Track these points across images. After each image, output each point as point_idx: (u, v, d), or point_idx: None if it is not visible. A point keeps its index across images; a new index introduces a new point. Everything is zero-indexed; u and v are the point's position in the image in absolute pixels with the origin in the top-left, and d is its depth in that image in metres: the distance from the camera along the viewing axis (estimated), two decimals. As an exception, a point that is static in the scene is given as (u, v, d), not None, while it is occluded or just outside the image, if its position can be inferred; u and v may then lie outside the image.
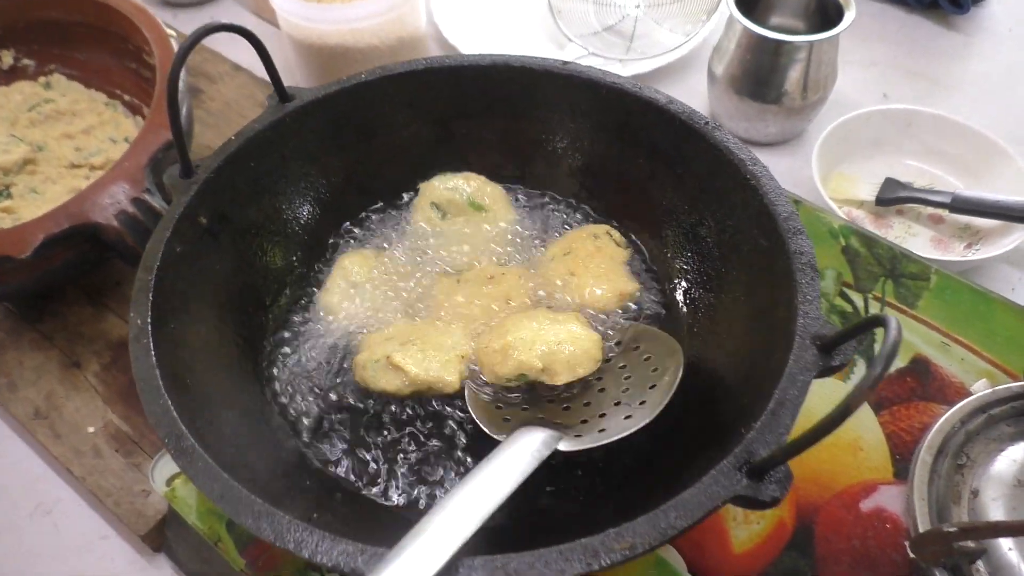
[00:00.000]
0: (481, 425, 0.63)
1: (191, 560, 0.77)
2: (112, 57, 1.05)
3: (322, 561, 0.46)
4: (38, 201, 0.93)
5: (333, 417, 0.69)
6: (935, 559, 0.67)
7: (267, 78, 1.15)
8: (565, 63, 0.74)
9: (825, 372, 0.54)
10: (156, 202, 0.82)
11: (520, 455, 0.56)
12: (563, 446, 0.58)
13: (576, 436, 0.60)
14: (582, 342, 0.67)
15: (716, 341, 0.69)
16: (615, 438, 0.59)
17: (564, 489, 0.65)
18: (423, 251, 0.79)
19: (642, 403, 0.62)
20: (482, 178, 0.81)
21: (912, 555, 0.69)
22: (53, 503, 0.85)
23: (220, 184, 0.67)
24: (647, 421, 0.59)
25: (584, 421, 0.62)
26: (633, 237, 0.81)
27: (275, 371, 0.72)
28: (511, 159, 0.83)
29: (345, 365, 0.72)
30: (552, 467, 0.63)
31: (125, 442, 0.83)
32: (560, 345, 0.66)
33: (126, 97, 1.06)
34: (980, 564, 0.67)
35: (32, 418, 0.86)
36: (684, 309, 0.75)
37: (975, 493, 0.71)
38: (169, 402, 0.53)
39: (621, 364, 0.67)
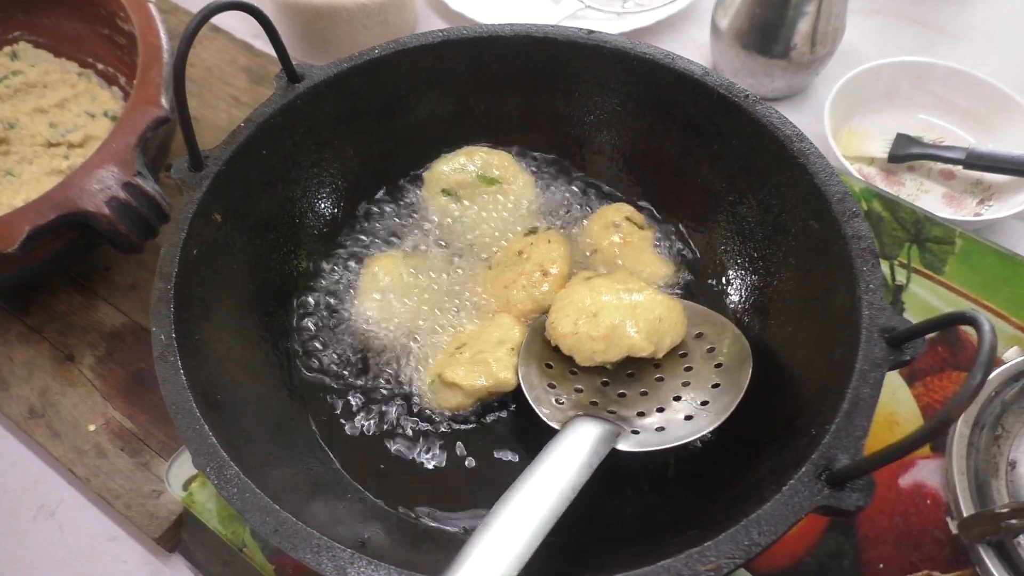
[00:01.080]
0: (535, 407, 0.60)
1: (211, 562, 0.74)
2: (82, 22, 0.97)
3: (392, 598, 0.43)
4: (15, 185, 0.87)
5: (371, 426, 0.66)
6: (980, 536, 0.67)
7: (247, 40, 1.10)
8: (590, 32, 0.69)
9: (895, 366, 0.52)
10: (149, 186, 0.76)
11: (577, 453, 0.53)
12: (622, 445, 0.55)
13: (633, 432, 0.57)
14: (672, 311, 0.63)
15: (765, 327, 0.66)
16: (675, 443, 0.56)
17: (616, 487, 0.62)
18: (448, 241, 0.75)
19: (704, 404, 0.59)
20: (484, 149, 0.77)
21: (956, 532, 0.68)
22: (56, 504, 0.81)
23: (232, 176, 0.62)
24: (711, 429, 0.56)
25: (640, 414, 0.59)
26: (659, 217, 0.77)
27: (304, 376, 0.68)
28: (534, 136, 0.78)
29: (388, 374, 0.69)
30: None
31: (130, 440, 0.79)
32: (661, 322, 0.62)
33: (100, 66, 0.99)
34: (1022, 538, 0.66)
35: (27, 417, 0.81)
36: (728, 292, 0.72)
37: (1012, 464, 0.70)
38: (206, 427, 0.49)
39: (681, 352, 0.64)
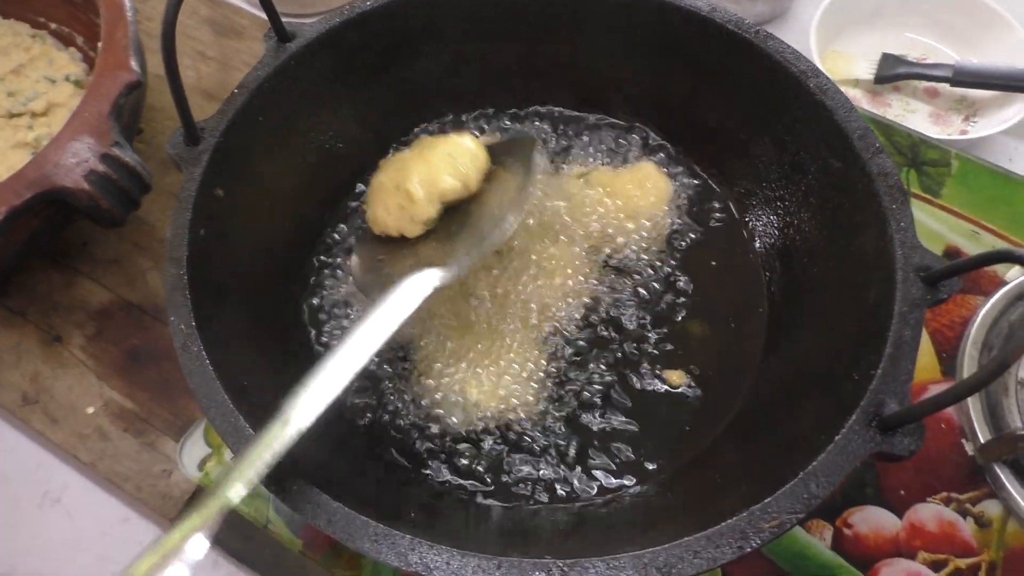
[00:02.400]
0: (365, 294, 0.60)
1: (231, 538, 0.73)
2: (27, -21, 0.91)
3: (458, 581, 0.42)
4: (-21, 161, 0.82)
5: (395, 402, 0.64)
6: (997, 457, 0.68)
7: (206, -10, 1.04)
8: (590, -29, 0.66)
9: (932, 305, 0.51)
10: (128, 156, 0.72)
11: (403, 297, 0.53)
12: (449, 272, 0.56)
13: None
14: (463, 147, 0.63)
15: (789, 268, 0.65)
16: (492, 243, 0.57)
17: (656, 446, 0.62)
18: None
19: (504, 204, 0.60)
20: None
21: (971, 452, 0.70)
22: (61, 491, 0.79)
23: (231, 148, 0.58)
24: (516, 221, 0.58)
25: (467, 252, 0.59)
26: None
27: (322, 352, 0.66)
28: (535, 85, 0.75)
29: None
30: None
31: (132, 421, 0.77)
32: (456, 159, 0.62)
33: (53, 26, 0.92)
34: (1035, 455, 0.68)
35: (21, 404, 0.78)
36: (749, 235, 0.71)
37: (1022, 383, 0.71)
38: (242, 419, 0.47)
39: (490, 186, 0.64)
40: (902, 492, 0.68)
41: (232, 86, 0.62)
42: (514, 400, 0.63)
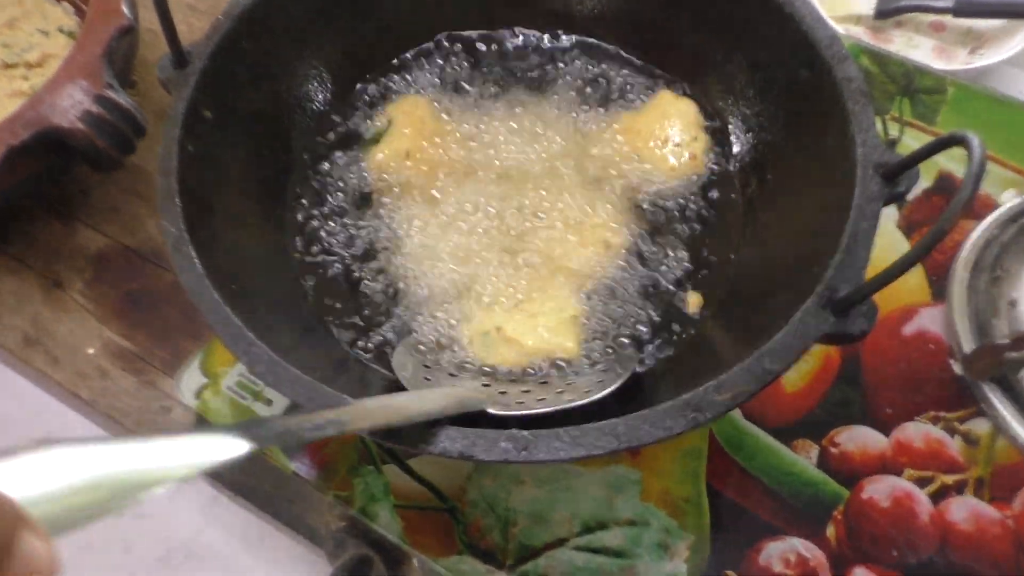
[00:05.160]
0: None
1: (227, 471, 0.79)
2: (18, -66, 0.98)
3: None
4: (-23, 110, 0.89)
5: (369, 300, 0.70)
6: (983, 373, 0.73)
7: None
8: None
9: (890, 200, 0.57)
10: (121, 98, 0.79)
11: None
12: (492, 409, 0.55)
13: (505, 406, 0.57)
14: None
15: (764, 181, 0.70)
16: (547, 410, 0.55)
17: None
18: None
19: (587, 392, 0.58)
20: None
21: (959, 372, 0.74)
22: (62, 431, 0.86)
23: (217, 72, 0.64)
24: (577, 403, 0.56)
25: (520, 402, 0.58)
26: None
27: (308, 264, 0.72)
28: (510, 12, 0.81)
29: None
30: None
31: (132, 360, 0.83)
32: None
33: (46, -20, 1.00)
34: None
35: (23, 346, 0.85)
36: (728, 153, 0.75)
37: (1012, 304, 0.75)
38: (228, 310, 0.53)
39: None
40: (889, 411, 0.73)
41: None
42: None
